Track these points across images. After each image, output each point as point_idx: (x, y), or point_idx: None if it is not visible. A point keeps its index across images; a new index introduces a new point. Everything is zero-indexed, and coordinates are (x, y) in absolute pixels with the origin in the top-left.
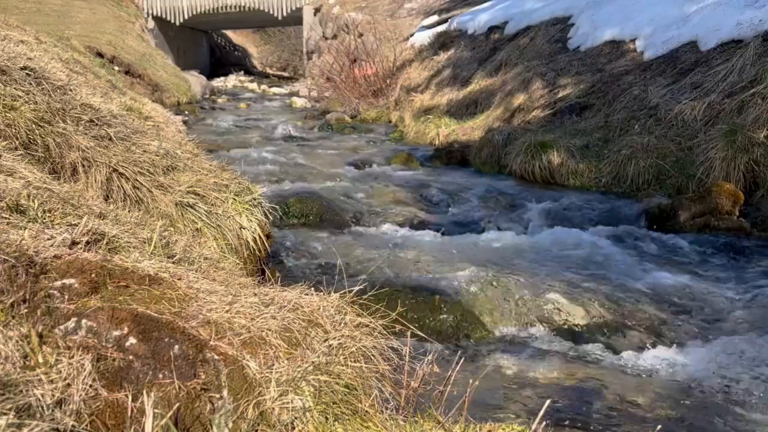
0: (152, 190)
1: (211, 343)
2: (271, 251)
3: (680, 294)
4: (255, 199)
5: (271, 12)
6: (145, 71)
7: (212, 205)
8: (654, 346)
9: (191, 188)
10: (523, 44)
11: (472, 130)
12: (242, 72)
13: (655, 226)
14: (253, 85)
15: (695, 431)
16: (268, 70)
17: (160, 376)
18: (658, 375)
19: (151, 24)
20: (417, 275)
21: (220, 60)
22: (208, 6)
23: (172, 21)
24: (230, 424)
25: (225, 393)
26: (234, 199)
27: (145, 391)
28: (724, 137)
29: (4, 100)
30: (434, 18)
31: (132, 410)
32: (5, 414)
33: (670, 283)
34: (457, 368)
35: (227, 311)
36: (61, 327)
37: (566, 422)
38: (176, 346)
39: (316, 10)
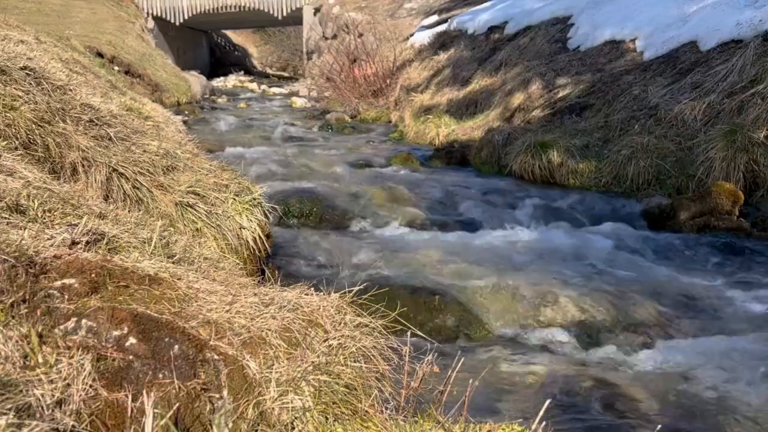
0: (152, 190)
1: (211, 343)
2: (271, 251)
3: (680, 294)
4: (255, 199)
5: (271, 12)
6: (145, 71)
7: (212, 205)
8: (654, 345)
9: (191, 188)
10: (523, 44)
11: (472, 129)
12: (242, 72)
13: (655, 226)
14: (253, 85)
15: (695, 431)
16: (268, 70)
17: (160, 376)
18: (658, 375)
19: (151, 24)
20: (417, 275)
21: (220, 60)
22: (208, 6)
23: (172, 21)
24: (230, 424)
25: (225, 393)
26: (234, 199)
27: (145, 391)
28: (724, 137)
29: (4, 100)
30: (434, 18)
31: (132, 410)
32: (5, 414)
33: (669, 283)
34: (457, 368)
35: (227, 311)
36: (61, 327)
37: (566, 422)
38: (176, 346)
39: (316, 10)
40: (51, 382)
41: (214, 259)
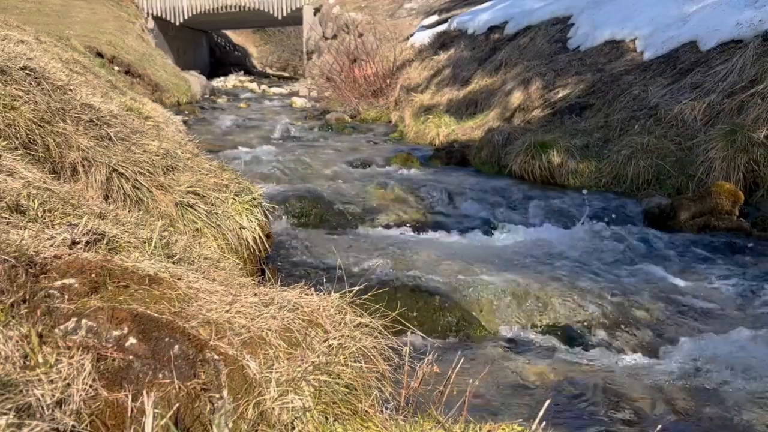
0: (152, 190)
1: (211, 343)
2: (271, 251)
3: (680, 294)
4: (255, 199)
5: (271, 12)
6: (145, 71)
7: (212, 205)
8: (654, 345)
9: (191, 188)
10: (523, 44)
11: (472, 129)
12: (242, 72)
13: (654, 226)
14: (253, 85)
15: (695, 431)
16: (268, 70)
17: (160, 376)
18: (657, 374)
19: (151, 24)
20: (417, 275)
21: (220, 60)
22: (208, 6)
23: (172, 21)
24: (230, 424)
25: (225, 393)
26: (234, 199)
27: (145, 391)
28: (724, 137)
29: (4, 100)
30: (434, 18)
31: (132, 410)
32: (5, 414)
33: (669, 282)
34: (457, 368)
35: (227, 311)
36: (61, 327)
37: (566, 422)
38: (176, 346)
39: (316, 10)
40: (51, 382)
41: (214, 259)
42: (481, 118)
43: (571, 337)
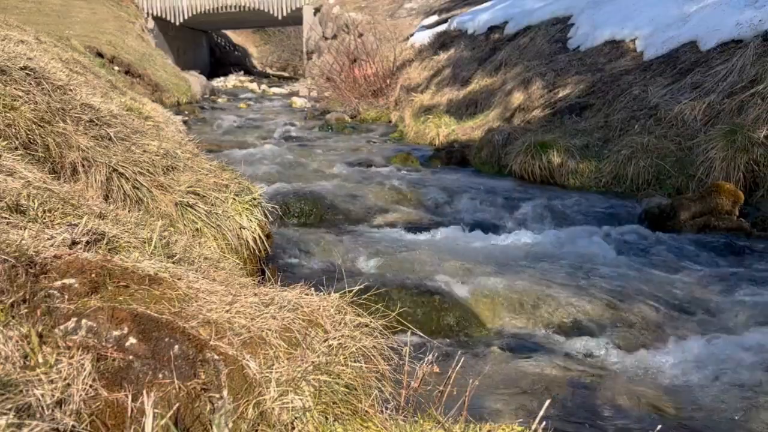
0: (152, 190)
1: (211, 343)
2: (271, 251)
3: (680, 294)
4: (255, 199)
5: (271, 12)
6: (145, 71)
7: (212, 205)
8: (654, 345)
9: (191, 188)
10: (523, 44)
11: (472, 129)
12: (242, 72)
13: (654, 226)
14: (253, 85)
15: (695, 431)
16: (268, 70)
17: (160, 376)
18: (657, 374)
19: (151, 24)
20: (417, 275)
21: (220, 60)
22: (208, 6)
23: (172, 21)
24: (230, 424)
25: (225, 393)
26: (234, 199)
27: (145, 391)
28: (724, 137)
29: (4, 100)
30: (434, 18)
31: (132, 410)
32: (5, 414)
33: (669, 282)
34: (457, 368)
35: (227, 311)
36: (61, 327)
37: (566, 422)
38: (176, 346)
39: (316, 10)
40: (51, 382)
41: (214, 259)
42: (481, 118)
43: (570, 337)
